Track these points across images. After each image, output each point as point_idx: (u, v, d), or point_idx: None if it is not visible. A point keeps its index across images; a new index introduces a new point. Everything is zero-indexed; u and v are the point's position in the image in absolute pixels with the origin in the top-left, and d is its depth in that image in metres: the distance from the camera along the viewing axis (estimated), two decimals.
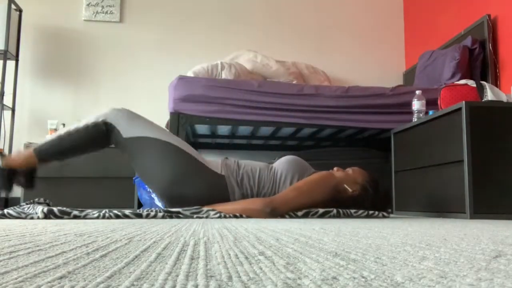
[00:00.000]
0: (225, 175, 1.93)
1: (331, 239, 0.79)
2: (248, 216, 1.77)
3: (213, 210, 1.78)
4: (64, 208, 1.67)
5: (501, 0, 2.96)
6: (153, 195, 2.86)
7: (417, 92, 2.59)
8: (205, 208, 1.78)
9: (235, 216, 1.78)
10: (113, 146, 1.97)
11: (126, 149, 1.92)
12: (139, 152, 1.91)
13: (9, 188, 1.89)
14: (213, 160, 2.00)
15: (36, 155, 1.88)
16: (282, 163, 2.02)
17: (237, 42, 4.14)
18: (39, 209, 1.66)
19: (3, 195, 1.89)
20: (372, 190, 1.95)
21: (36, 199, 2.00)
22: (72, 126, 1.92)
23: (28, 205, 1.84)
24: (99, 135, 1.90)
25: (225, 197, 1.90)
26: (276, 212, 1.77)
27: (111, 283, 0.37)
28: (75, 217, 1.65)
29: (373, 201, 1.94)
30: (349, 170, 2.00)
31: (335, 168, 2.03)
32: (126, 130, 1.90)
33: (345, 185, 1.91)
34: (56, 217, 1.63)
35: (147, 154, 1.90)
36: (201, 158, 1.96)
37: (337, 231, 1.02)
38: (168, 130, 2.02)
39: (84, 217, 1.66)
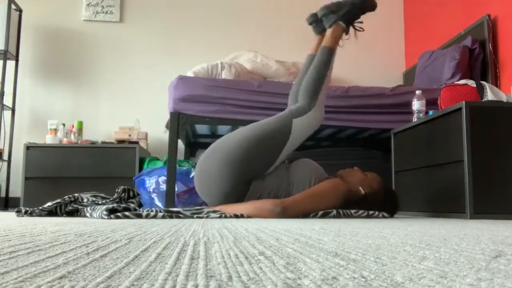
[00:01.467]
0: (252, 186, 1.97)
1: (331, 239, 0.79)
2: (258, 217, 1.78)
3: (214, 211, 1.79)
4: (128, 213, 1.68)
5: (501, 0, 2.96)
6: (153, 195, 2.86)
7: (417, 92, 2.59)
8: (205, 209, 1.79)
9: (236, 216, 1.78)
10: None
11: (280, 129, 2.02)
12: (273, 126, 2.01)
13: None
14: None
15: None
16: (300, 166, 2.04)
17: (237, 42, 4.14)
18: (98, 212, 1.68)
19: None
20: (382, 196, 1.99)
21: (67, 197, 2.00)
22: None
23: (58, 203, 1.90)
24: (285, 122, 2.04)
25: (240, 200, 1.94)
26: (286, 214, 1.79)
27: (111, 283, 0.37)
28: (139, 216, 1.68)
29: (379, 204, 1.97)
30: (368, 174, 2.04)
31: (355, 168, 2.06)
32: (293, 141, 2.01)
33: (360, 187, 1.95)
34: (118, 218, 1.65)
35: (270, 131, 1.99)
36: (266, 173, 2.01)
37: (337, 231, 1.02)
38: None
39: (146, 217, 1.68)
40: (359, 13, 2.37)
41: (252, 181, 1.95)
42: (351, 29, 2.40)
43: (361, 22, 2.40)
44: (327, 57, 2.20)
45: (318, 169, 2.05)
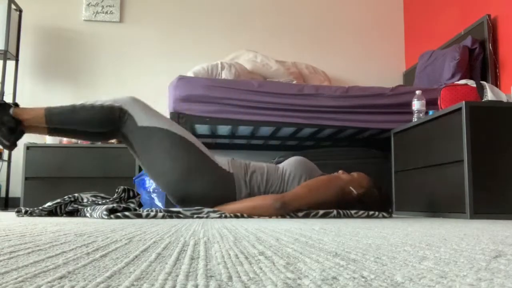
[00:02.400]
0: (234, 173, 1.94)
1: (331, 239, 0.79)
2: (258, 214, 1.79)
3: (214, 211, 1.79)
4: (128, 213, 1.68)
5: (501, 0, 2.96)
6: (153, 195, 2.86)
7: (417, 92, 2.59)
8: (206, 209, 1.79)
9: (236, 216, 1.78)
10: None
11: (137, 138, 1.90)
12: (151, 143, 1.90)
13: (12, 141, 1.83)
14: (221, 159, 2.01)
15: (45, 116, 1.85)
16: (291, 163, 2.05)
17: (237, 42, 4.14)
18: (98, 212, 1.68)
19: (4, 147, 1.88)
20: (376, 193, 1.99)
21: (67, 197, 2.00)
22: (88, 101, 1.91)
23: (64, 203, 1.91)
24: (110, 119, 1.88)
25: (231, 196, 1.92)
26: (286, 208, 1.79)
27: (111, 283, 0.37)
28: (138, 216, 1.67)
29: (376, 202, 1.98)
30: (354, 174, 2.04)
31: (340, 171, 2.07)
32: (141, 119, 1.90)
33: (351, 187, 1.95)
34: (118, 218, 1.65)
35: (158, 145, 1.90)
36: (211, 156, 1.97)
37: (337, 231, 1.02)
38: (179, 126, 2.02)
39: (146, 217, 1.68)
40: None
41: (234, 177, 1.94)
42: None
43: None
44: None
45: (310, 168, 2.06)
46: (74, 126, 1.90)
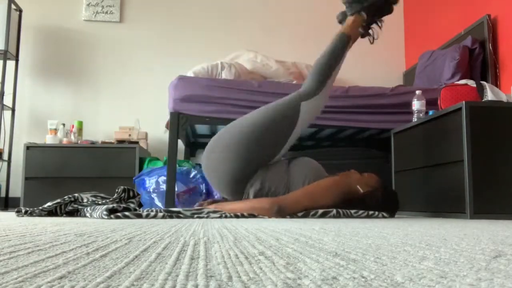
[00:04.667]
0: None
1: (331, 239, 0.79)
2: (256, 215, 1.79)
3: (214, 212, 1.79)
4: (128, 213, 1.68)
5: (501, 0, 2.96)
6: (153, 195, 2.86)
7: (417, 92, 2.59)
8: (206, 209, 1.79)
9: (236, 216, 1.78)
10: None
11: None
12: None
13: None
14: None
15: None
16: (297, 165, 2.04)
17: (237, 42, 4.14)
18: (98, 212, 1.68)
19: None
20: (380, 194, 1.98)
21: (67, 197, 2.01)
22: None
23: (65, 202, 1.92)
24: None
25: (240, 192, 1.94)
26: (283, 212, 1.79)
27: (111, 283, 0.37)
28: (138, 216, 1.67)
29: (382, 204, 1.96)
30: (365, 174, 2.04)
31: (352, 170, 2.07)
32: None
33: (358, 186, 1.95)
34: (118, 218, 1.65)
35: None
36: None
37: (337, 231, 1.02)
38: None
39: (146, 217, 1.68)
40: (383, 9, 2.32)
41: (257, 170, 1.95)
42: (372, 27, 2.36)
43: (382, 21, 2.36)
44: (342, 44, 2.21)
45: (316, 170, 2.05)
46: None
